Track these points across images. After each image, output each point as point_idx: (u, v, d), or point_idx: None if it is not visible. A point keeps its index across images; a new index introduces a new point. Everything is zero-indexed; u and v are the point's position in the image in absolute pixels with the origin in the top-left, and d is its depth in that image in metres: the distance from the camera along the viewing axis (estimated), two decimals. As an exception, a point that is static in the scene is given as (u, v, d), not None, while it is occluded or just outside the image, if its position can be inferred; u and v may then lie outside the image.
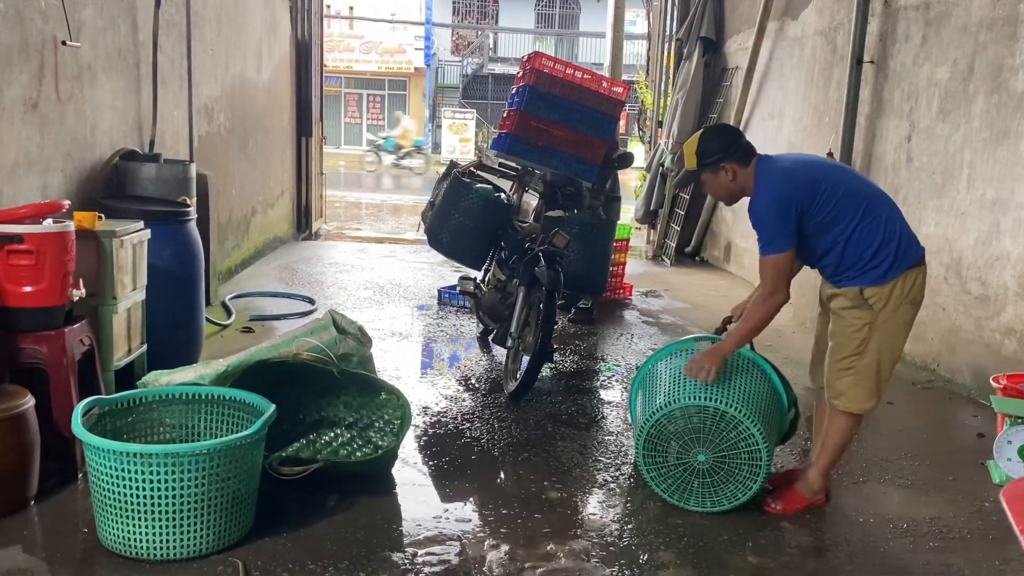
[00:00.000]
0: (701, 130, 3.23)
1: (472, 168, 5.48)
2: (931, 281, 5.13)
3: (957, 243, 5.00)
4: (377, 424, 3.51)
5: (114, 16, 4.66)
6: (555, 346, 4.92)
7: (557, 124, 5.30)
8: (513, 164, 5.31)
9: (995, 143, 4.70)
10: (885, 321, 3.03)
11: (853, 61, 6.12)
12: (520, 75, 5.45)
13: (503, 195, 5.43)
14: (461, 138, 27.24)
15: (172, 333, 4.24)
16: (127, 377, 3.77)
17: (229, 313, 5.83)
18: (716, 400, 3.09)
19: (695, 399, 3.12)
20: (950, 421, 4.52)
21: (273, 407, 2.92)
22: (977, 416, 4.49)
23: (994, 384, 4.02)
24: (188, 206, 4.48)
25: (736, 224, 8.66)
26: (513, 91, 5.55)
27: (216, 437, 3.11)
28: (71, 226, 3.23)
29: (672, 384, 3.22)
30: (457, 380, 4.80)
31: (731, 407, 3.07)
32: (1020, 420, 3.64)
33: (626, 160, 5.30)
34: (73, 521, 2.93)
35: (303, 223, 9.85)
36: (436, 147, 28.58)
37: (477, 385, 4.71)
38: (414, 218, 13.33)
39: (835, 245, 3.02)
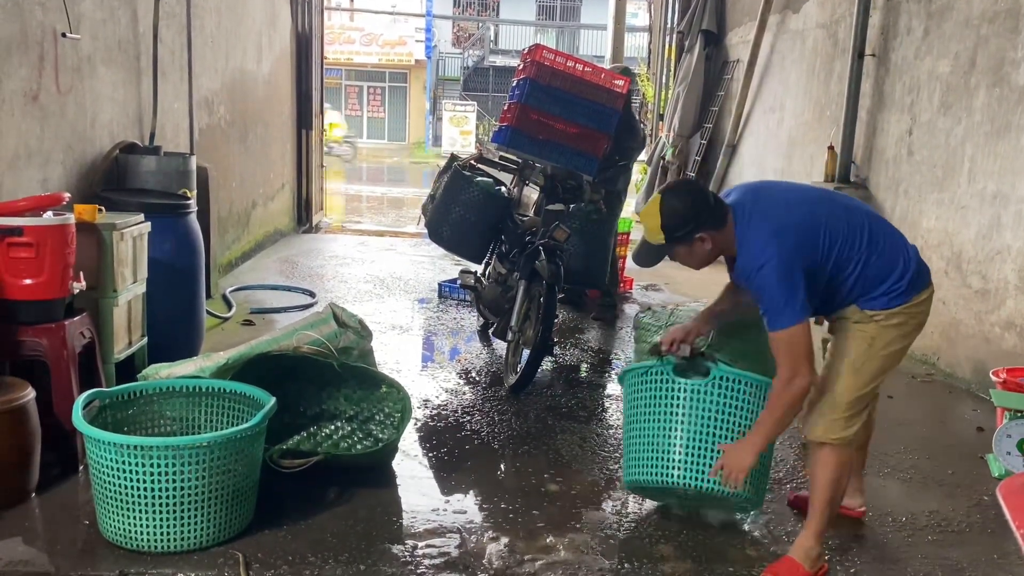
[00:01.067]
0: (659, 195, 2.71)
1: (472, 161, 5.47)
2: (932, 275, 5.15)
3: (958, 237, 5.00)
4: (378, 417, 3.51)
5: (114, 8, 4.65)
6: (555, 339, 4.93)
7: (558, 117, 5.28)
8: (513, 157, 5.30)
9: (996, 137, 4.70)
10: (887, 344, 2.69)
11: (854, 54, 6.11)
12: (521, 68, 5.44)
13: (503, 188, 5.42)
14: (462, 131, 27.21)
15: (172, 326, 4.24)
16: (128, 370, 3.77)
17: (229, 306, 5.83)
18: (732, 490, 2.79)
19: (710, 484, 2.83)
20: (949, 415, 4.52)
21: (273, 400, 2.93)
22: (977, 410, 4.50)
23: (994, 378, 4.02)
24: (188, 199, 4.48)
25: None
26: (514, 84, 5.53)
27: (217, 430, 3.11)
28: (71, 219, 3.23)
29: (684, 454, 2.85)
30: (457, 373, 4.80)
31: (744, 491, 2.84)
32: (1020, 414, 3.65)
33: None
34: (74, 513, 2.94)
35: (303, 216, 9.84)
36: (437, 140, 28.55)
37: (477, 378, 4.72)
38: (413, 211, 13.34)
39: (841, 287, 2.68)
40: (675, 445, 2.85)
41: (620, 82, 5.46)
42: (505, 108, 5.54)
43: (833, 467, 2.74)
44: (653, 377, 2.93)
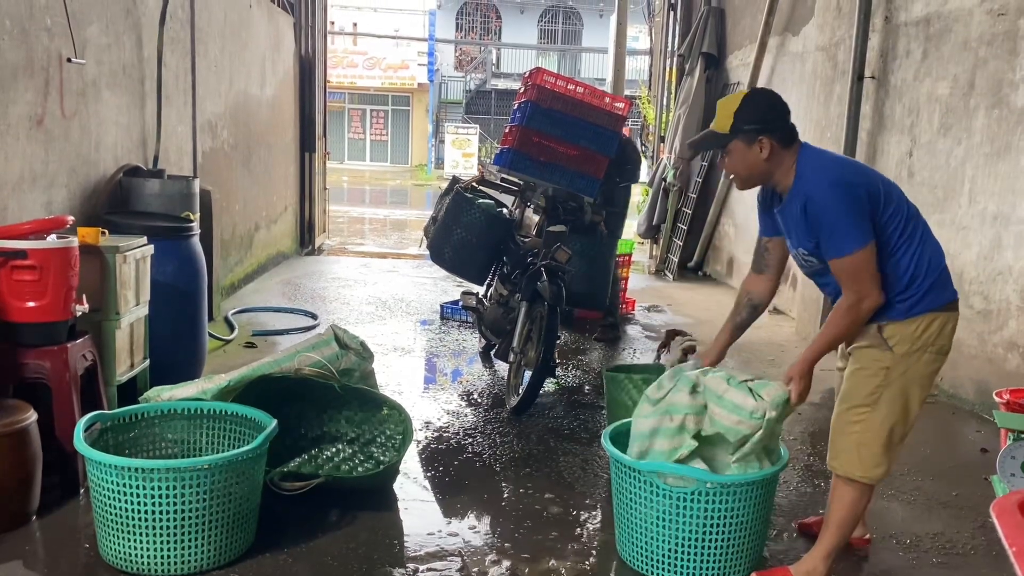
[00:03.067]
0: (747, 90, 2.73)
1: (474, 183, 5.50)
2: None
3: (959, 258, 5.00)
4: (379, 439, 3.50)
5: (119, 33, 4.70)
6: (557, 361, 4.92)
7: (559, 139, 5.33)
8: (515, 179, 5.34)
9: (996, 158, 4.71)
10: (904, 372, 2.60)
11: (854, 76, 6.14)
12: (522, 91, 5.48)
13: (505, 210, 5.45)
14: (464, 153, 27.36)
15: (174, 348, 4.25)
16: (130, 392, 3.78)
17: (232, 328, 5.84)
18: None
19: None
20: (953, 436, 4.50)
21: (275, 422, 2.93)
22: (980, 431, 4.48)
23: (997, 399, 4.00)
24: (191, 221, 4.50)
25: (738, 239, 8.67)
26: (515, 107, 5.58)
27: (218, 452, 3.11)
28: (75, 242, 3.25)
29: (669, 554, 2.77)
30: (459, 395, 4.80)
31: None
32: (1023, 435, 3.63)
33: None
34: (75, 536, 2.93)
35: (306, 238, 9.88)
36: (439, 162, 28.70)
37: (479, 400, 4.71)
38: (416, 233, 13.37)
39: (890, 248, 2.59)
40: (660, 546, 2.75)
41: (620, 104, 5.50)
42: (507, 131, 5.58)
43: (850, 505, 2.70)
44: (636, 476, 2.76)
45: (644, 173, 12.09)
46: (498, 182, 5.30)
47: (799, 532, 3.20)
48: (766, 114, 2.62)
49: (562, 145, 5.34)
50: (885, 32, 5.96)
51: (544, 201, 4.83)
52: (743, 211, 8.72)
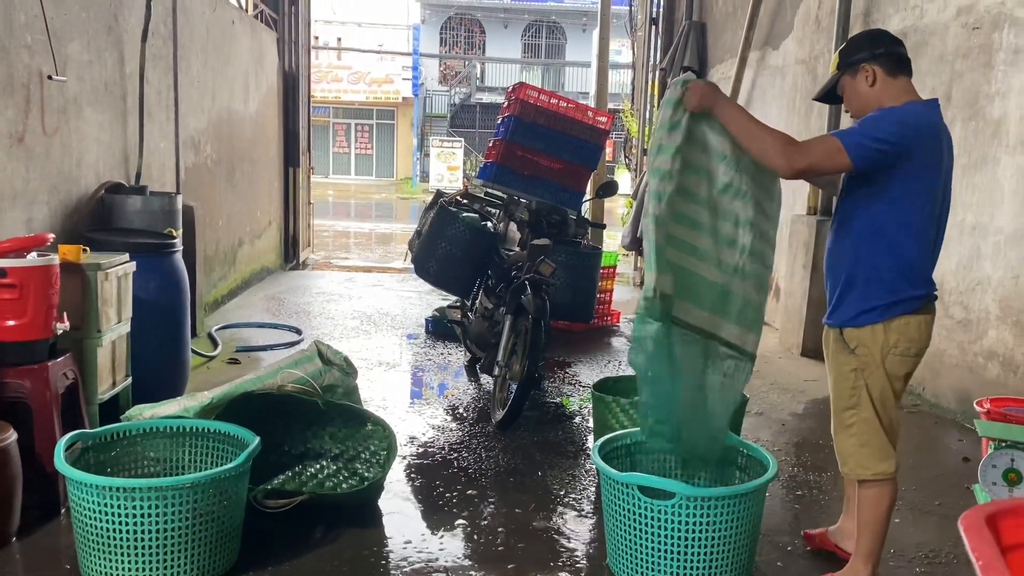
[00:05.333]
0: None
1: (458, 197, 5.51)
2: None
3: (939, 268, 4.98)
4: (363, 456, 3.49)
5: (100, 50, 4.69)
6: (541, 374, 4.93)
7: (542, 153, 5.36)
8: (499, 193, 5.35)
9: (974, 169, 4.77)
10: (873, 372, 2.65)
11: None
12: (506, 105, 5.51)
13: (489, 224, 5.46)
14: (449, 167, 27.42)
15: (157, 365, 4.22)
16: (112, 410, 3.74)
17: (215, 344, 5.81)
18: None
19: None
20: (936, 445, 4.54)
21: (258, 439, 2.91)
22: (962, 440, 4.51)
23: (978, 408, 4.03)
24: (174, 238, 4.49)
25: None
26: (499, 121, 5.61)
27: (201, 470, 3.09)
28: (55, 259, 3.23)
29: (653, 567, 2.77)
30: (444, 409, 4.79)
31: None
32: (1004, 444, 3.66)
33: (610, 189, 5.34)
34: (55, 557, 2.90)
35: (291, 253, 9.86)
36: (424, 176, 28.72)
37: (464, 414, 4.70)
38: (401, 247, 13.37)
39: (863, 232, 2.63)
40: (644, 559, 2.76)
41: (603, 118, 5.54)
42: (491, 145, 5.60)
43: (873, 504, 2.71)
44: (621, 489, 2.77)
45: (628, 185, 12.15)
46: (482, 196, 5.32)
47: (805, 542, 3.20)
48: (864, 43, 2.68)
49: (545, 159, 5.38)
50: (863, 46, 6.03)
51: (528, 214, 4.85)
52: (726, 223, 8.76)
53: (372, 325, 6.92)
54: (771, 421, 4.79)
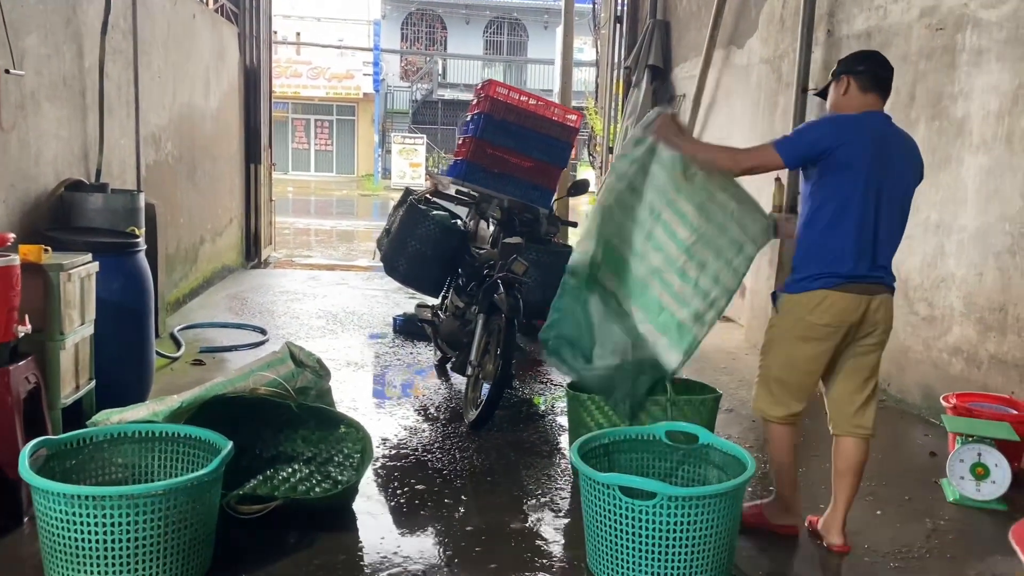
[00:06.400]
0: None
1: (427, 195, 5.46)
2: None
3: (903, 265, 5.12)
4: (337, 458, 3.43)
5: (59, 44, 4.55)
6: (514, 372, 4.90)
7: (513, 151, 5.33)
8: (469, 191, 5.31)
9: (938, 168, 4.84)
10: (784, 330, 3.12)
11: (798, 89, 6.27)
12: (475, 102, 5.47)
13: (459, 222, 5.41)
14: (411, 163, 27.28)
15: (121, 367, 4.12)
16: (75, 415, 3.64)
17: (178, 345, 5.69)
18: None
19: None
20: (902, 440, 4.60)
21: (231, 444, 2.84)
22: (928, 435, 4.59)
23: (944, 403, 4.11)
24: (137, 237, 4.38)
25: (687, 248, 8.76)
26: (468, 118, 5.56)
27: (171, 476, 3.02)
28: (16, 260, 3.12)
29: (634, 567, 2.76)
30: (416, 410, 4.74)
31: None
32: (971, 439, 3.73)
33: (581, 188, 5.33)
34: (18, 568, 2.81)
35: (252, 251, 9.71)
36: (386, 172, 28.52)
37: (436, 415, 4.66)
38: (364, 244, 13.26)
39: (802, 217, 3.09)
40: (624, 560, 2.74)
41: (573, 116, 5.52)
42: (460, 142, 5.56)
43: (771, 443, 3.24)
44: (602, 490, 2.76)
45: (593, 183, 12.17)
46: (452, 194, 5.27)
47: (810, 530, 3.30)
48: (852, 60, 3.17)
49: (515, 156, 5.35)
50: (828, 45, 6.10)
51: (501, 213, 4.81)
52: (691, 220, 8.82)
53: (338, 324, 6.84)
54: (741, 418, 4.83)
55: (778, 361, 3.15)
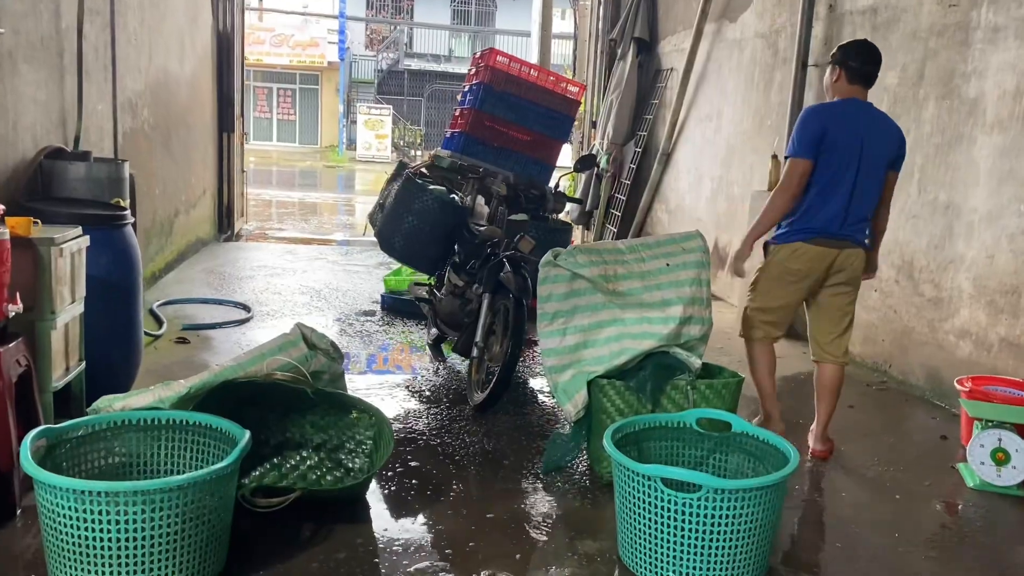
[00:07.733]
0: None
1: (423, 169, 5.26)
2: (881, 283, 5.21)
3: (908, 246, 5.08)
4: (348, 445, 3.27)
5: (35, 1, 4.25)
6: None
7: (512, 124, 5.16)
8: (470, 165, 5.12)
9: (948, 148, 4.78)
10: (765, 270, 3.81)
11: (798, 64, 6.17)
12: (474, 72, 5.28)
13: (456, 196, 5.22)
14: (377, 134, 26.80)
15: (109, 347, 3.89)
16: (64, 399, 3.43)
17: (160, 322, 5.44)
18: None
19: None
20: (911, 424, 4.57)
21: (248, 434, 2.66)
22: (935, 418, 4.56)
23: (959, 387, 4.06)
24: (124, 209, 4.12)
25: (672, 225, 8.68)
26: (465, 89, 5.37)
27: (178, 467, 2.84)
28: (6, 234, 2.89)
29: (673, 561, 2.65)
30: (416, 391, 4.58)
31: None
32: (991, 424, 3.69)
33: (588, 162, 5.18)
34: (13, 564, 2.61)
35: (225, 223, 9.40)
36: (351, 143, 28.00)
37: (438, 396, 4.51)
38: (335, 218, 12.97)
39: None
40: (664, 553, 2.63)
41: (575, 88, 5.36)
42: (457, 114, 5.37)
43: (750, 360, 3.95)
44: (642, 481, 2.64)
45: (571, 158, 12.01)
46: (453, 167, 5.07)
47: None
48: (849, 53, 3.68)
49: (515, 130, 5.19)
50: (829, 20, 6.00)
51: (506, 189, 4.63)
52: (676, 198, 8.73)
53: (323, 301, 6.63)
54: (746, 400, 4.74)
55: (761, 294, 3.83)
